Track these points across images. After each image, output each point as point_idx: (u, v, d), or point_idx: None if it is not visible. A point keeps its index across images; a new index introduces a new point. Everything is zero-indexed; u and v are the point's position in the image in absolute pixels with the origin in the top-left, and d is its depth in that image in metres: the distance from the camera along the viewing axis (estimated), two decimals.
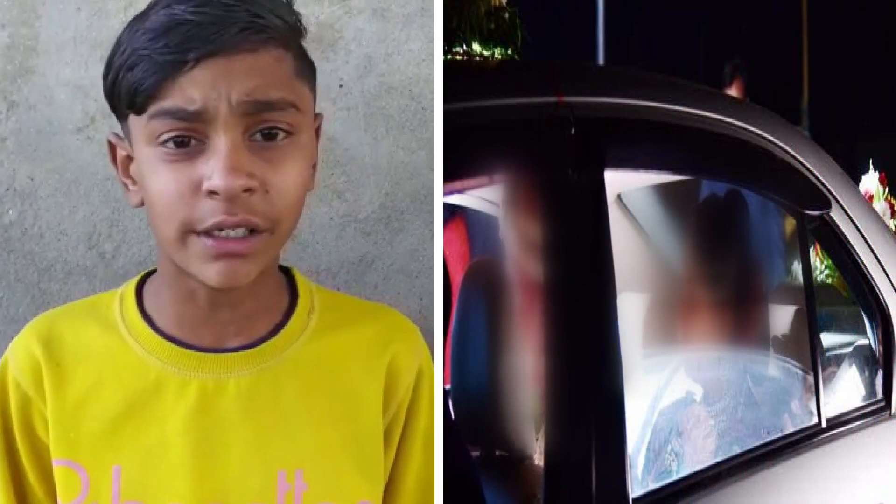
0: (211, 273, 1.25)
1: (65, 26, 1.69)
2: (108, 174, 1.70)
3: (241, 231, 1.24)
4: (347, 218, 1.74)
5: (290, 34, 1.29)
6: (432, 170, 1.73)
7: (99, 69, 1.67)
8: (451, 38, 1.91)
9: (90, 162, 1.70)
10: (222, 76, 1.22)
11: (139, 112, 1.25)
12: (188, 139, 1.23)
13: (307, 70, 1.33)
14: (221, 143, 1.22)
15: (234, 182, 1.22)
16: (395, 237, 1.75)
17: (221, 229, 1.24)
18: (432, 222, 1.75)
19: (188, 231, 1.24)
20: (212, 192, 1.22)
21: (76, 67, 1.69)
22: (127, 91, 1.25)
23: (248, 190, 1.23)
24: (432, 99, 1.73)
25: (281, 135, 1.26)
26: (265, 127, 1.25)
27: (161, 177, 1.24)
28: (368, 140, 1.73)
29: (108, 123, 1.69)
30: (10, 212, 1.70)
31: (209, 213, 1.23)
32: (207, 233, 1.24)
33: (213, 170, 1.22)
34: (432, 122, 1.73)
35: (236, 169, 1.22)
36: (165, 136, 1.23)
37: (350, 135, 1.72)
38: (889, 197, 3.35)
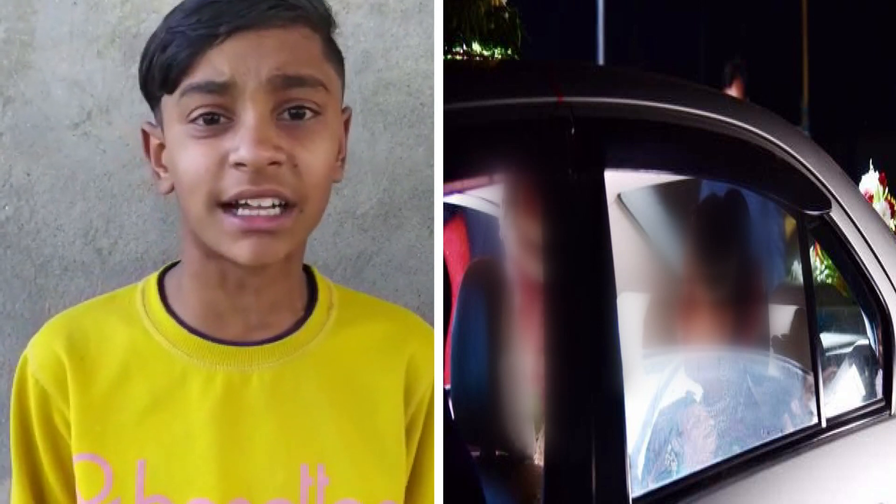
0: (240, 250, 1.26)
1: (61, 21, 1.69)
2: (105, 170, 1.70)
3: (268, 202, 1.25)
4: (345, 214, 1.74)
5: (319, 19, 1.32)
6: (430, 166, 1.74)
7: (95, 64, 1.69)
8: (451, 38, 1.91)
9: (87, 157, 1.70)
10: (253, 50, 1.25)
11: (171, 90, 1.27)
12: (217, 116, 1.25)
13: (336, 56, 1.34)
14: (249, 116, 1.24)
15: (261, 154, 1.23)
16: (393, 233, 1.75)
17: (245, 201, 1.25)
18: (430, 219, 1.75)
19: (215, 204, 1.25)
20: (238, 164, 1.24)
21: (73, 62, 1.69)
22: (160, 69, 1.27)
23: (276, 163, 1.24)
24: (430, 95, 1.73)
25: (309, 114, 1.28)
26: (293, 105, 1.27)
27: (190, 152, 1.26)
28: (366, 136, 1.73)
29: (105, 119, 1.69)
30: (7, 207, 1.70)
31: (233, 183, 1.24)
32: (233, 208, 1.25)
33: (241, 142, 1.24)
34: (430, 118, 1.73)
35: (263, 142, 1.24)
36: (196, 113, 1.25)
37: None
38: (889, 197, 3.35)
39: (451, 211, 2.05)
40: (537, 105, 1.51)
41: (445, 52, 1.89)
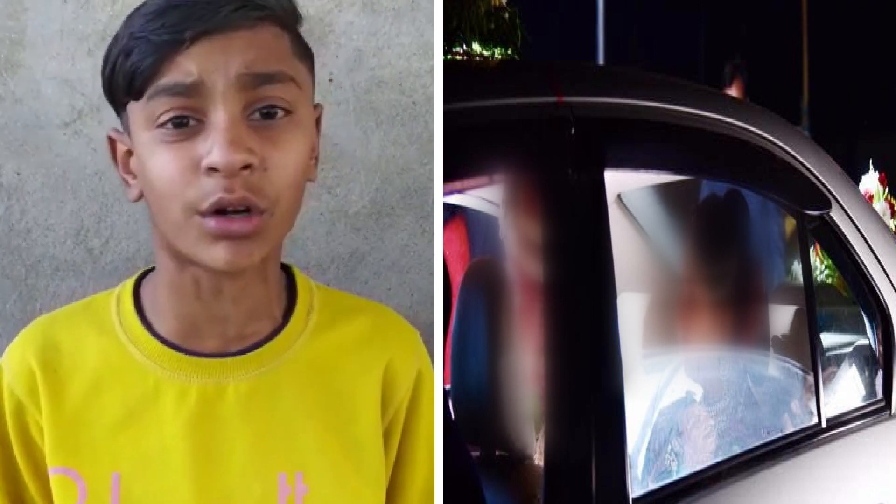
0: (217, 254, 1.24)
1: (51, 19, 1.68)
2: (96, 169, 1.70)
3: (242, 207, 1.22)
4: (338, 213, 1.74)
5: (286, 16, 1.29)
6: (423, 164, 1.73)
7: (86, 63, 1.68)
8: (451, 38, 1.91)
9: (77, 157, 1.69)
10: (220, 51, 1.22)
11: (138, 96, 1.24)
12: (186, 119, 1.22)
13: (305, 52, 1.32)
14: (220, 118, 1.22)
15: (234, 157, 1.21)
16: (386, 232, 1.75)
17: (222, 208, 1.22)
18: (423, 217, 1.75)
19: (191, 212, 1.23)
20: (211, 169, 1.21)
21: (63, 61, 1.68)
22: (125, 76, 1.25)
23: (248, 167, 1.22)
24: (423, 93, 1.73)
25: (280, 113, 1.26)
26: (264, 105, 1.24)
27: (160, 158, 1.23)
28: (359, 134, 1.73)
29: (96, 118, 1.69)
30: None
31: (209, 191, 1.21)
32: (209, 214, 1.22)
33: (213, 145, 1.21)
34: (423, 116, 1.73)
35: (235, 143, 1.21)
36: (164, 118, 1.23)
37: (340, 129, 1.72)
38: (889, 197, 3.35)
39: (450, 211, 2.05)
40: (537, 105, 1.51)
41: (445, 52, 1.89)
